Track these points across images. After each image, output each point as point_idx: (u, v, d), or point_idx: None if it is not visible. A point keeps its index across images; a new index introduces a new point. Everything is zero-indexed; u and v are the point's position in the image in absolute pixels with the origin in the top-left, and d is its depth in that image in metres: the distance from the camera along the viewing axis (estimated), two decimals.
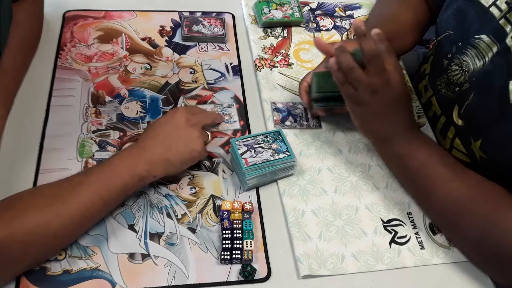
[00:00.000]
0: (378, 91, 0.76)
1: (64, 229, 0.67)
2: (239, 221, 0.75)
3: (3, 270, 0.65)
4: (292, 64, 1.01)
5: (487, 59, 0.80)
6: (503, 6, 0.79)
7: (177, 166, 0.77)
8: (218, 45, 1.03)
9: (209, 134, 0.85)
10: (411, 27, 0.99)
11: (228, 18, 1.08)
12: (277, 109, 0.92)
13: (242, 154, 0.79)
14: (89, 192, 0.68)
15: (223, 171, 0.83)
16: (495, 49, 0.79)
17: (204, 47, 1.02)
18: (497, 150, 0.78)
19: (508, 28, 0.77)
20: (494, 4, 0.80)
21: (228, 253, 0.72)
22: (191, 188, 0.81)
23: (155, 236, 0.74)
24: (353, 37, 1.07)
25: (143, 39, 1.01)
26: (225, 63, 1.00)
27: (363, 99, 0.77)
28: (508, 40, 0.76)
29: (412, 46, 1.02)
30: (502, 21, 0.78)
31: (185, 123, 0.78)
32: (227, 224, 0.75)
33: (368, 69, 0.76)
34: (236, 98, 0.94)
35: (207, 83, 0.96)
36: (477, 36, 0.82)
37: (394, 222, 0.80)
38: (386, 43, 0.75)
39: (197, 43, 1.02)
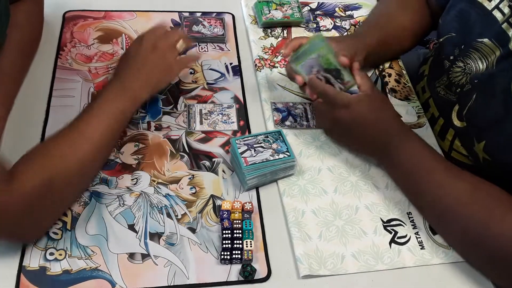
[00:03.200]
0: (349, 104, 0.80)
1: (89, 156, 0.73)
2: (239, 221, 0.75)
3: (53, 206, 0.71)
4: None
5: (490, 62, 0.80)
6: (506, 10, 0.79)
7: (157, 84, 0.85)
8: (218, 45, 1.03)
9: (180, 43, 0.88)
10: (409, 30, 0.99)
11: (228, 18, 1.08)
12: (277, 109, 0.92)
13: (242, 153, 0.79)
14: (84, 145, 0.73)
15: (223, 171, 0.83)
16: (498, 53, 0.79)
17: (204, 47, 1.02)
18: (501, 152, 0.78)
19: (510, 32, 0.77)
20: (497, 7, 0.80)
21: (228, 253, 0.72)
22: (191, 188, 0.81)
23: (155, 236, 0.74)
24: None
25: None
26: (225, 63, 1.00)
27: (328, 126, 0.86)
28: (511, 45, 0.76)
29: (409, 48, 1.03)
30: (504, 25, 0.78)
31: (152, 48, 0.84)
32: (227, 224, 0.75)
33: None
34: (236, 98, 0.94)
35: (207, 83, 0.96)
36: (479, 40, 0.82)
37: (394, 222, 0.80)
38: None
39: (197, 43, 1.02)
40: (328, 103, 0.82)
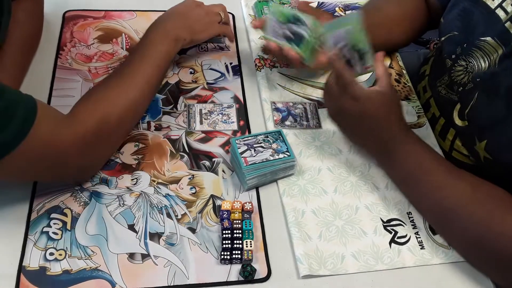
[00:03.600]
0: (359, 98, 0.78)
1: (140, 96, 0.80)
2: (239, 221, 0.75)
3: (108, 142, 0.78)
4: None
5: (492, 60, 0.80)
6: (509, 9, 0.78)
7: (197, 33, 0.91)
8: (218, 45, 1.03)
9: (221, 13, 0.95)
10: (398, 20, 0.99)
11: None
12: (277, 109, 0.92)
13: (242, 153, 0.79)
14: (138, 82, 0.80)
15: (223, 171, 0.83)
16: (500, 52, 0.78)
17: (204, 47, 1.02)
18: (503, 151, 0.77)
19: None
20: (500, 6, 0.80)
21: (228, 253, 0.72)
22: (191, 188, 0.81)
23: (155, 236, 0.74)
24: None
25: None
26: (225, 63, 1.00)
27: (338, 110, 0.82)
28: None
29: (401, 39, 1.02)
30: (507, 24, 0.78)
31: (195, 6, 0.92)
32: (227, 224, 0.75)
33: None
34: (236, 98, 0.94)
35: (207, 83, 0.96)
36: (482, 38, 0.81)
37: (394, 222, 0.80)
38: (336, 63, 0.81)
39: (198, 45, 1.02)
40: (339, 87, 0.80)
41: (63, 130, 0.69)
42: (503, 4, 0.80)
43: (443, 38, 0.92)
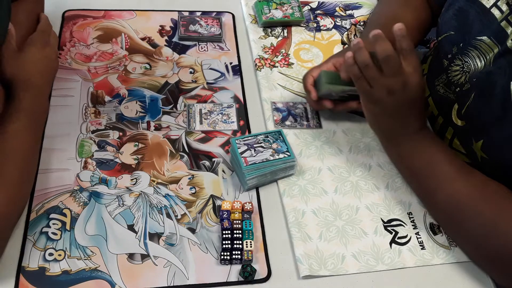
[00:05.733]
0: (394, 92, 0.76)
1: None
2: (239, 221, 0.75)
3: None
4: (292, 63, 1.00)
5: (488, 60, 0.80)
6: (504, 8, 0.78)
7: (41, 81, 0.81)
8: (218, 45, 1.02)
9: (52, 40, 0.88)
10: (413, 28, 0.99)
11: (227, 18, 1.08)
12: (277, 109, 0.92)
13: (242, 153, 0.79)
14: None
15: (223, 171, 0.83)
16: (496, 51, 0.79)
17: (204, 46, 1.02)
18: (499, 151, 0.78)
19: (509, 30, 0.77)
20: (495, 5, 0.80)
21: (228, 253, 0.72)
22: (191, 188, 0.80)
23: (155, 237, 0.74)
24: (353, 37, 1.07)
25: (142, 39, 1.01)
26: (225, 63, 1.00)
27: (378, 97, 0.77)
28: (509, 43, 0.75)
29: (414, 46, 1.02)
30: (503, 23, 0.78)
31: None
32: (227, 224, 0.74)
33: (384, 69, 0.76)
34: (236, 98, 0.94)
35: (207, 83, 0.96)
36: (478, 38, 0.81)
37: (394, 222, 0.80)
38: (408, 41, 0.75)
39: (197, 43, 1.02)
40: (404, 57, 0.76)
41: None
42: (498, 3, 0.80)
43: (440, 38, 0.92)
